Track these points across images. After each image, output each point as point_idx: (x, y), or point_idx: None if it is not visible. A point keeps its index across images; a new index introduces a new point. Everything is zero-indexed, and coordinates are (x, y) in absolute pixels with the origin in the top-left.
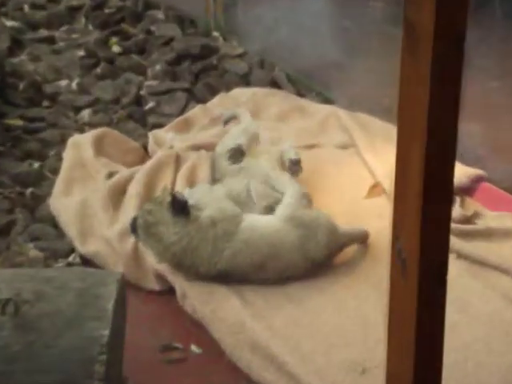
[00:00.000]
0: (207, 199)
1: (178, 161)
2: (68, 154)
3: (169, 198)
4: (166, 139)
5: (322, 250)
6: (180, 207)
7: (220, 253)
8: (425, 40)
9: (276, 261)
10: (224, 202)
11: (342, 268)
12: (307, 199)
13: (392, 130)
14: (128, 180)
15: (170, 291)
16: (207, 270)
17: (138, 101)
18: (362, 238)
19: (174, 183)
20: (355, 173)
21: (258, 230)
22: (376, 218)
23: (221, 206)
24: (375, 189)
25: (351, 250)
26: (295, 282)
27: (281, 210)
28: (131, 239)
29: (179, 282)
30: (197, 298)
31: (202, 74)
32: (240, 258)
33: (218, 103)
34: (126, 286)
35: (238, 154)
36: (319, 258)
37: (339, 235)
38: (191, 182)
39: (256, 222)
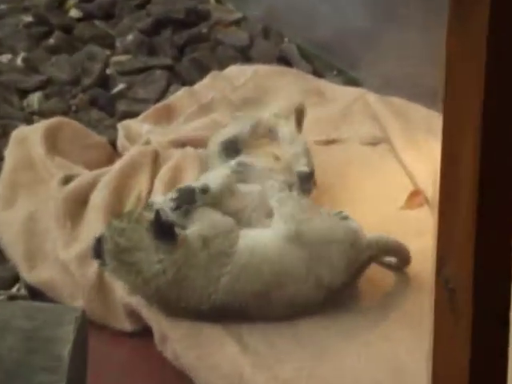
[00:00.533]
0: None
1: (156, 161)
2: (11, 152)
3: (147, 214)
4: (140, 132)
5: (340, 273)
6: (165, 230)
7: (215, 281)
8: (479, 2)
9: (281, 290)
10: (212, 212)
11: (369, 299)
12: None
13: (438, 120)
14: (91, 186)
15: (145, 332)
16: (199, 304)
17: (104, 82)
18: (397, 252)
19: (150, 190)
20: (388, 177)
21: (257, 251)
22: (415, 235)
23: (210, 220)
24: (415, 198)
25: (381, 275)
26: (307, 318)
27: (278, 224)
28: (95, 263)
29: (158, 320)
30: (181, 341)
31: (187, 46)
32: (238, 287)
33: (209, 85)
34: (87, 326)
35: (230, 149)
36: (336, 284)
37: (363, 247)
38: (173, 188)
39: (254, 239)
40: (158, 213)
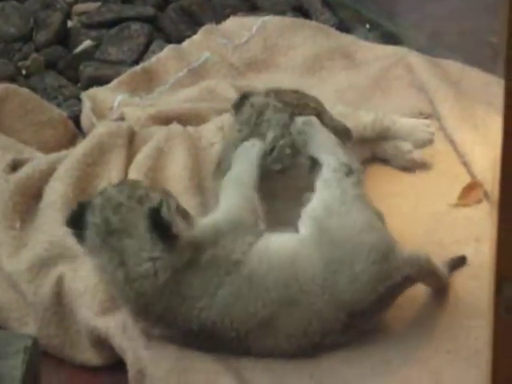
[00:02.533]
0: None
1: (132, 142)
2: None
3: (150, 205)
4: (112, 104)
5: (364, 289)
6: (162, 230)
7: (212, 292)
8: None
9: (291, 311)
10: (247, 203)
11: (403, 326)
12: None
13: (500, 89)
14: (46, 174)
15: (115, 367)
16: (188, 320)
17: (64, 38)
18: (438, 280)
19: (124, 179)
20: (438, 164)
21: (266, 258)
22: (470, 240)
23: (237, 209)
24: (471, 191)
25: (420, 292)
26: (324, 352)
27: (306, 220)
28: (51, 274)
29: (134, 351)
30: (163, 379)
31: None
32: (238, 305)
33: (202, 43)
34: (40, 358)
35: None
36: (359, 305)
37: (398, 263)
38: (155, 180)
39: (268, 244)
40: (155, 209)
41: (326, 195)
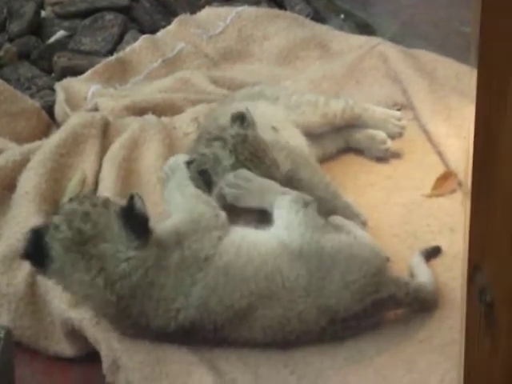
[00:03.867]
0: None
1: (106, 133)
2: None
3: (115, 208)
4: (85, 95)
5: (350, 299)
6: (137, 222)
7: (186, 291)
8: None
9: (269, 306)
10: (198, 199)
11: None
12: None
13: (473, 78)
14: (19, 165)
15: (90, 358)
16: (164, 323)
17: (38, 28)
18: (426, 302)
19: (98, 172)
20: (412, 155)
21: (244, 251)
22: (444, 230)
23: (193, 210)
24: (445, 181)
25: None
26: (301, 346)
27: (280, 224)
28: (25, 265)
29: (108, 342)
30: (138, 370)
31: None
32: (214, 299)
33: (177, 33)
34: (13, 350)
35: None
36: (343, 312)
37: (387, 281)
38: (129, 171)
39: (246, 237)
40: (132, 200)
41: (296, 219)
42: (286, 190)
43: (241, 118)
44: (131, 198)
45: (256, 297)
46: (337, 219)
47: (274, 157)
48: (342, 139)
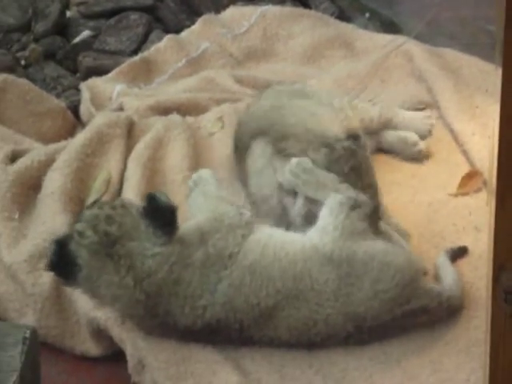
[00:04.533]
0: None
1: (131, 132)
2: None
3: (136, 207)
4: (111, 95)
5: (379, 307)
6: (166, 215)
7: (212, 289)
8: None
9: (297, 305)
10: (221, 200)
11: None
12: (364, 211)
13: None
14: (44, 165)
15: (116, 357)
16: (191, 322)
17: (63, 28)
18: (453, 304)
19: (123, 171)
20: (437, 154)
21: (271, 250)
22: (469, 230)
23: (216, 209)
24: (471, 180)
25: None
26: (326, 347)
27: (319, 225)
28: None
29: (133, 342)
30: (164, 369)
31: None
32: (240, 297)
33: (201, 32)
34: (39, 349)
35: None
36: (371, 321)
37: (420, 292)
38: (154, 171)
39: (273, 236)
40: (154, 196)
41: (331, 223)
42: (343, 187)
43: (355, 137)
44: (151, 195)
45: (283, 296)
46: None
47: (375, 182)
48: (374, 141)
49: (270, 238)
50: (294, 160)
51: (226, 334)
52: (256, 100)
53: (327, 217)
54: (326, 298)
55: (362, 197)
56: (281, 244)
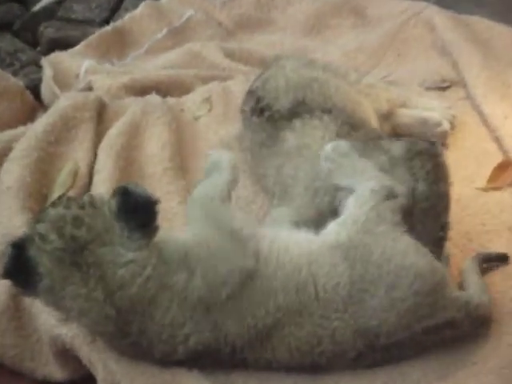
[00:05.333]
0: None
1: (101, 116)
2: None
3: (108, 205)
4: (77, 71)
5: (398, 322)
6: (142, 212)
7: (197, 319)
8: None
9: (299, 322)
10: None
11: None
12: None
13: None
14: (0, 155)
15: (83, 382)
16: (171, 348)
17: None
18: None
19: (92, 162)
20: (465, 141)
21: (275, 256)
22: (505, 230)
23: (211, 229)
24: (503, 172)
25: None
26: (332, 370)
27: (330, 229)
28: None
29: (104, 365)
30: None
31: None
32: (233, 319)
33: None
34: None
35: None
36: (385, 338)
37: (445, 302)
38: (129, 161)
39: (276, 241)
40: (125, 189)
41: (357, 213)
42: (380, 175)
43: (432, 143)
44: (122, 188)
45: (284, 312)
46: None
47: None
48: (387, 125)
49: (272, 244)
50: (331, 144)
51: (215, 358)
52: (275, 69)
53: (351, 207)
54: (333, 309)
55: (401, 187)
56: (285, 248)
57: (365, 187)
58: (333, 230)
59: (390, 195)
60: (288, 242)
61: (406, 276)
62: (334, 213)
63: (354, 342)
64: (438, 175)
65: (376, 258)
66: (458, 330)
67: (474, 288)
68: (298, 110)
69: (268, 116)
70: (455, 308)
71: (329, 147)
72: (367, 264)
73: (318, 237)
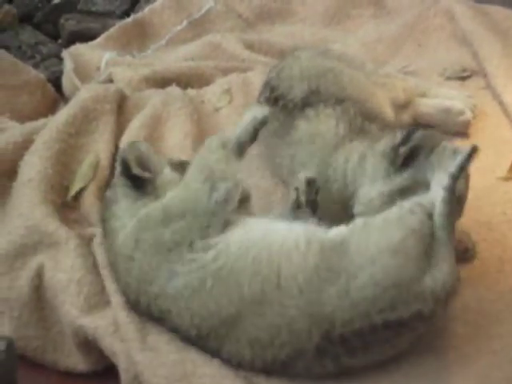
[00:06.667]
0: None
1: (122, 108)
2: None
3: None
4: (98, 64)
5: (354, 311)
6: (125, 168)
7: (162, 284)
8: None
9: (259, 311)
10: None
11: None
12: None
13: None
14: (20, 148)
15: (106, 373)
16: (148, 304)
17: None
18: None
19: (114, 155)
20: (486, 130)
21: (252, 251)
22: None
23: (194, 184)
24: None
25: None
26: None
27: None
28: (29, 265)
29: (127, 355)
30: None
31: None
32: (198, 301)
33: None
34: (16, 363)
35: None
36: (340, 328)
37: (410, 295)
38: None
39: (260, 234)
40: (123, 157)
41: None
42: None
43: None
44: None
45: (247, 303)
46: None
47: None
48: (407, 116)
49: (251, 235)
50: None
51: (186, 336)
52: (291, 59)
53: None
54: (290, 295)
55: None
56: (268, 247)
57: (436, 193)
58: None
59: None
60: (271, 237)
61: (370, 267)
62: (345, 201)
63: (309, 333)
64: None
65: (351, 251)
66: (431, 322)
67: (441, 265)
68: (312, 100)
69: (282, 105)
70: (420, 301)
71: (449, 148)
72: (340, 257)
73: (303, 227)
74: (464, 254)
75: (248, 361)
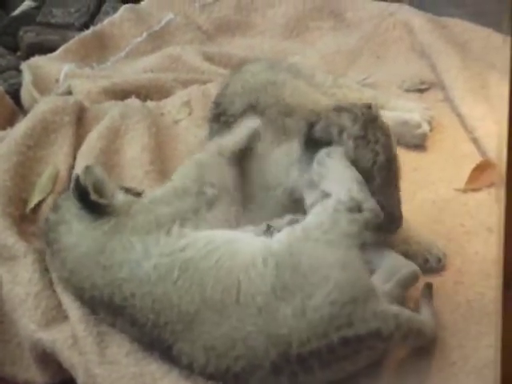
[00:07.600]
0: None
1: (81, 120)
2: None
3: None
4: (57, 76)
5: (310, 331)
6: (83, 195)
7: (134, 264)
8: None
9: (216, 320)
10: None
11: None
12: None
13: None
14: None
15: None
16: (111, 294)
17: None
18: (419, 335)
19: (71, 167)
20: (444, 142)
21: (218, 256)
22: (484, 231)
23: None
24: (482, 173)
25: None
26: None
27: (280, 235)
28: None
29: (85, 368)
30: None
31: None
32: (162, 288)
33: (164, 1)
34: None
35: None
36: (297, 348)
37: (369, 313)
38: (110, 165)
39: (231, 243)
40: (76, 179)
41: (312, 220)
42: (354, 188)
43: (369, 106)
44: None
45: (206, 307)
46: None
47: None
48: None
49: (225, 243)
50: (325, 149)
51: (143, 323)
52: (237, 75)
53: (311, 214)
54: (249, 313)
55: (370, 203)
56: (233, 254)
57: (334, 196)
58: (279, 236)
59: (355, 208)
60: (238, 250)
61: (324, 287)
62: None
63: (266, 350)
64: (390, 141)
65: (304, 268)
66: (389, 342)
67: (422, 311)
68: (249, 114)
69: (223, 121)
70: (379, 320)
71: (323, 152)
72: (294, 273)
73: (262, 243)
74: (425, 264)
75: (201, 364)
